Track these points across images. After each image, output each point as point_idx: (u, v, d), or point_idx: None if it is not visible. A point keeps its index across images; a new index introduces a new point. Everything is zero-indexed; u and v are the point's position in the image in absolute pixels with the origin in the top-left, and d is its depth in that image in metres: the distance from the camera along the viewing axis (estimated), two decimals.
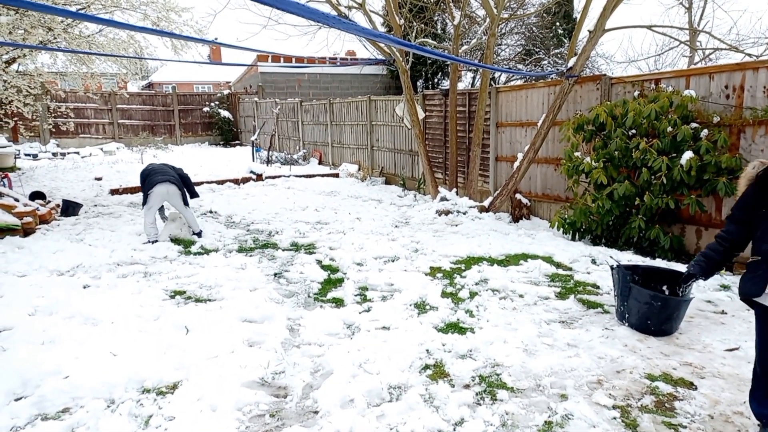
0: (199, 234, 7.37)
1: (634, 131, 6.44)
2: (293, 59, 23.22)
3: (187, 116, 25.43)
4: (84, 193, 11.27)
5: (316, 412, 3.16)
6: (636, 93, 6.91)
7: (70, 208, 9.09)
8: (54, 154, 19.20)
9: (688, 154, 5.83)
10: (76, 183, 12.71)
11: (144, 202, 7.19)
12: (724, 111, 6.06)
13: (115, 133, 23.53)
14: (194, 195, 7.72)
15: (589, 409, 3.12)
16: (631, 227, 6.36)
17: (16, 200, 8.18)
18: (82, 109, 22.47)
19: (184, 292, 5.24)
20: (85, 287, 5.35)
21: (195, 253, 6.74)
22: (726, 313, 4.62)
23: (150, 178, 7.22)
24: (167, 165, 7.63)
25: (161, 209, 7.80)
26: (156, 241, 7.05)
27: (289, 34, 17.74)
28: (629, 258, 6.06)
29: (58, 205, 9.16)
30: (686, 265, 3.05)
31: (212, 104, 25.65)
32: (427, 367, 3.68)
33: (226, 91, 26.78)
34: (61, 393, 3.29)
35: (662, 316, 4.11)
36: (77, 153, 19.57)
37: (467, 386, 3.43)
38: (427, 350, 3.91)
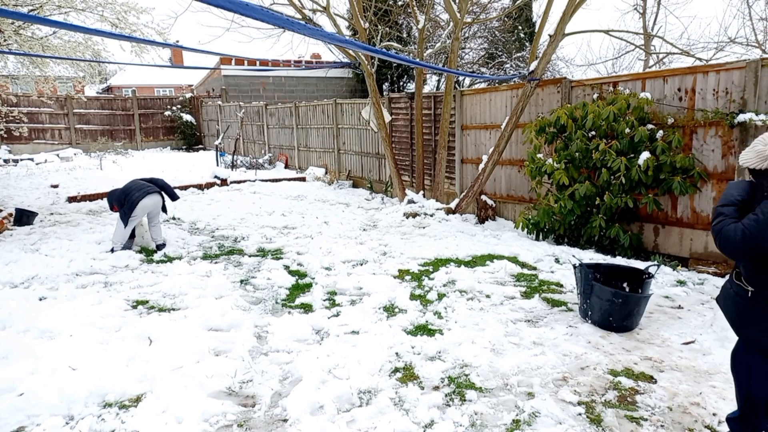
0: (159, 247, 7.09)
1: (593, 133, 6.63)
2: (257, 62, 22.95)
3: (148, 120, 24.78)
4: (39, 201, 10.83)
5: (286, 420, 3.12)
6: (595, 95, 7.12)
7: (24, 217, 8.72)
8: (6, 161, 18.40)
9: (645, 155, 6.03)
10: (31, 191, 12.20)
11: (123, 217, 6.80)
12: (678, 113, 6.31)
13: (72, 139, 22.73)
14: (174, 197, 7.41)
15: (556, 406, 3.19)
16: (592, 226, 6.53)
17: None
18: (35, 114, 21.62)
19: (147, 302, 5.10)
20: (41, 299, 5.14)
21: (158, 261, 6.57)
22: (682, 308, 4.79)
23: (131, 195, 6.83)
24: (140, 179, 7.29)
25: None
26: (115, 249, 6.83)
27: (252, 37, 17.54)
28: (591, 256, 6.22)
29: (10, 214, 8.77)
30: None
31: (174, 108, 25.08)
32: (396, 370, 3.69)
33: (188, 95, 26.24)
34: (15, 410, 3.15)
35: (623, 312, 4.24)
36: (31, 159, 18.80)
37: (437, 388, 3.45)
38: (397, 353, 3.92)
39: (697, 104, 6.13)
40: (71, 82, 20.71)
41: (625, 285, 4.54)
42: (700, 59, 9.27)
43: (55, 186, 12.74)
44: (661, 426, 3.01)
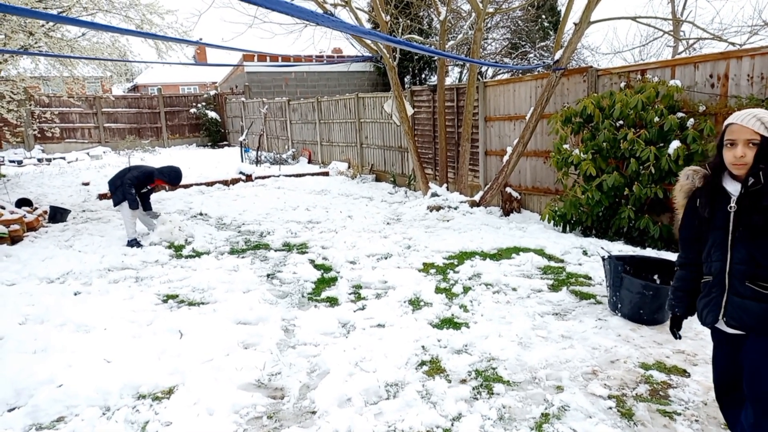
0: (130, 243, 7.14)
1: (621, 122, 6.48)
2: (279, 58, 23.07)
3: (174, 118, 25.22)
4: (71, 199, 11.14)
5: (314, 413, 3.15)
6: (622, 84, 6.95)
7: (57, 215, 8.99)
8: (39, 160, 18.96)
9: (675, 144, 5.88)
10: (63, 189, 12.56)
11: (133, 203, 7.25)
12: (710, 100, 6.12)
13: (101, 137, 23.29)
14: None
15: (585, 400, 3.14)
16: (620, 218, 6.40)
17: (3, 208, 8.07)
18: (66, 114, 22.22)
19: (177, 296, 5.21)
20: (76, 294, 5.30)
21: (186, 256, 6.69)
22: None
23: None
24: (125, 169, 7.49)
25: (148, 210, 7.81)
26: (141, 244, 7.04)
27: (275, 33, 17.69)
28: (619, 248, 6.10)
29: (45, 212, 9.04)
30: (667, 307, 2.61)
31: (199, 105, 25.45)
32: (423, 363, 3.69)
33: (212, 92, 26.58)
34: (55, 402, 3.26)
35: (654, 305, 4.15)
36: (63, 158, 19.34)
37: (464, 381, 3.44)
38: (423, 346, 3.92)
39: (730, 91, 5.94)
40: (98, 82, 21.20)
41: (656, 277, 4.45)
42: (733, 44, 8.97)
43: (86, 184, 13.08)
44: (696, 420, 2.94)
